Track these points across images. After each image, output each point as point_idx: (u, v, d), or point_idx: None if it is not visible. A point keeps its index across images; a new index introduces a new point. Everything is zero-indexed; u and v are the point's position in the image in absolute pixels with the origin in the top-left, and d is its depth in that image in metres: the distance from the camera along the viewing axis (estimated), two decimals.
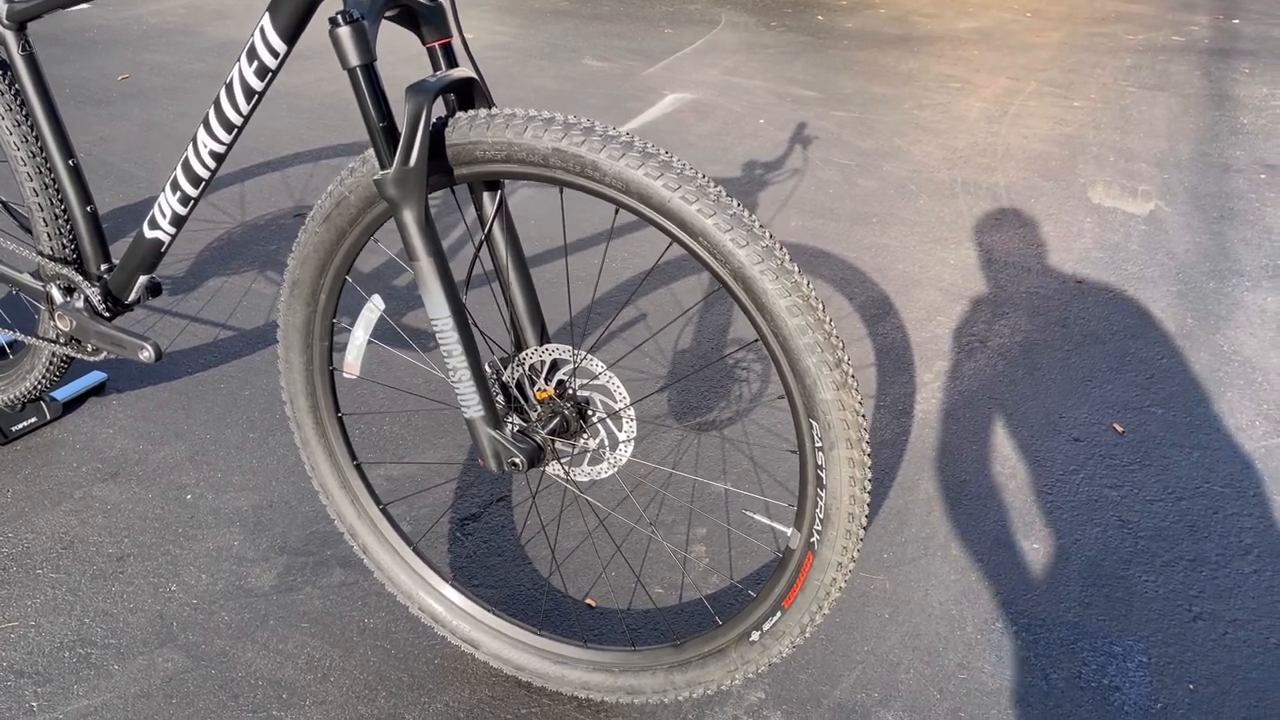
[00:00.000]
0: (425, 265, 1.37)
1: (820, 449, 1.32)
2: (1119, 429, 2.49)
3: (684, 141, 4.17)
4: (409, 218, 1.35)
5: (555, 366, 1.57)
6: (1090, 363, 2.76)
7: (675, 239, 1.30)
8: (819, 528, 1.37)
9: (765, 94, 4.85)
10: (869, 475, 1.35)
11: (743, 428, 2.38)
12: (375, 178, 1.34)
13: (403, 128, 1.31)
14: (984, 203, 3.73)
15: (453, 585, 1.75)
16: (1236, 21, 6.59)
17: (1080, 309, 3.04)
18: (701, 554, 2.03)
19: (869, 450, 1.33)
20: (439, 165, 1.38)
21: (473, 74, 1.41)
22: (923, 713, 1.71)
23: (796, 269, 1.29)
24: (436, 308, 1.39)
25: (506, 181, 1.47)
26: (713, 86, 4.89)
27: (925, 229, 3.50)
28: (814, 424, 1.31)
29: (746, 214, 1.30)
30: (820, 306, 1.29)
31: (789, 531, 1.44)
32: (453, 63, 1.45)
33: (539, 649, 1.70)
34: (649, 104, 4.59)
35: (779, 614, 1.46)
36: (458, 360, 1.42)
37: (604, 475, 1.58)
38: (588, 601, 1.92)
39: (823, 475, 1.34)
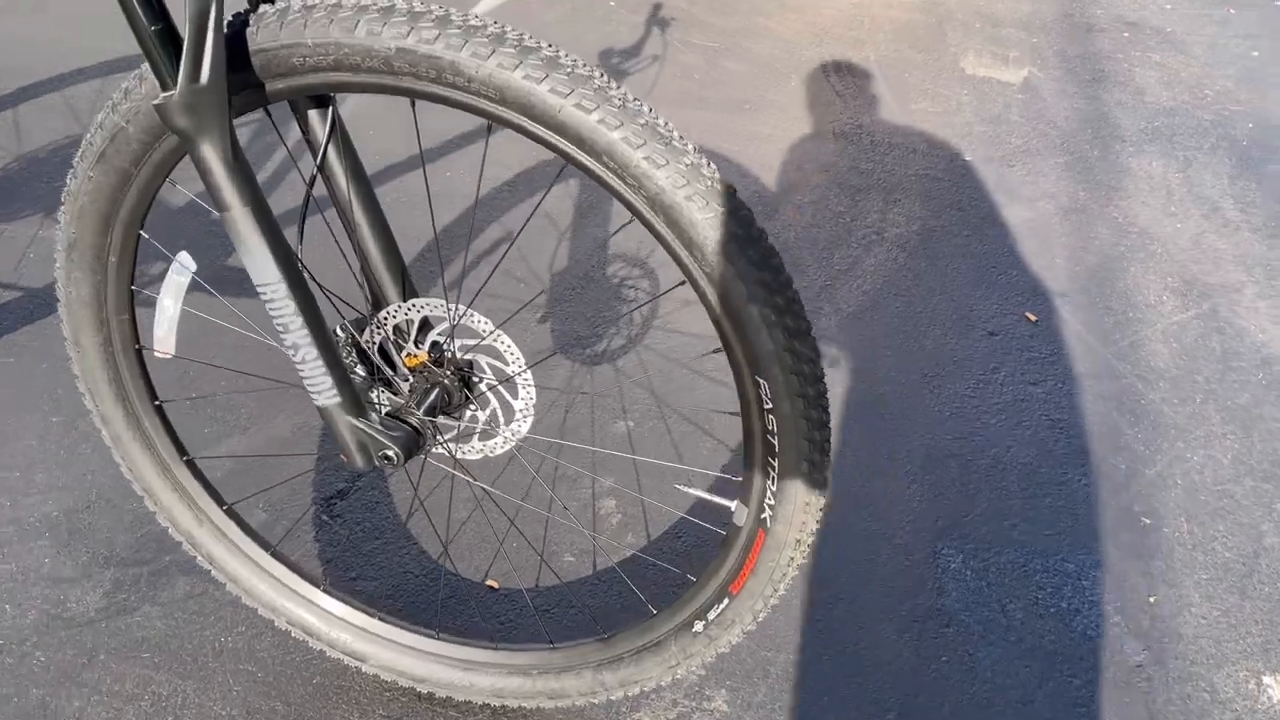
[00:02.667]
0: (239, 216, 1.03)
1: (770, 411, 1.07)
2: (1031, 318, 2.34)
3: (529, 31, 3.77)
4: (209, 154, 1.00)
5: (427, 326, 1.26)
6: (992, 247, 2.59)
7: (571, 160, 1.00)
8: (771, 502, 1.13)
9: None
10: (829, 435, 1.11)
11: (666, 385, 2.12)
12: (156, 102, 0.98)
13: (185, 31, 0.95)
14: (858, 80, 3.50)
15: (326, 590, 1.45)
16: None
17: (973, 189, 2.86)
18: (614, 517, 1.78)
19: (828, 406, 1.09)
20: (244, 79, 1.03)
21: None
22: (877, 669, 1.54)
23: (735, 192, 1.01)
24: (261, 270, 1.06)
25: (339, 95, 1.14)
26: None
27: (802, 113, 3.25)
28: (761, 382, 1.05)
29: (663, 123, 1.00)
30: (763, 236, 1.02)
31: (732, 506, 1.19)
32: None
33: (440, 655, 1.43)
34: None
35: (726, 600, 1.22)
36: (298, 335, 1.09)
37: (499, 452, 1.30)
38: (489, 583, 1.65)
39: (774, 440, 1.09)
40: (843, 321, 2.28)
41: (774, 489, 1.12)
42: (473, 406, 1.28)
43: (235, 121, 1.03)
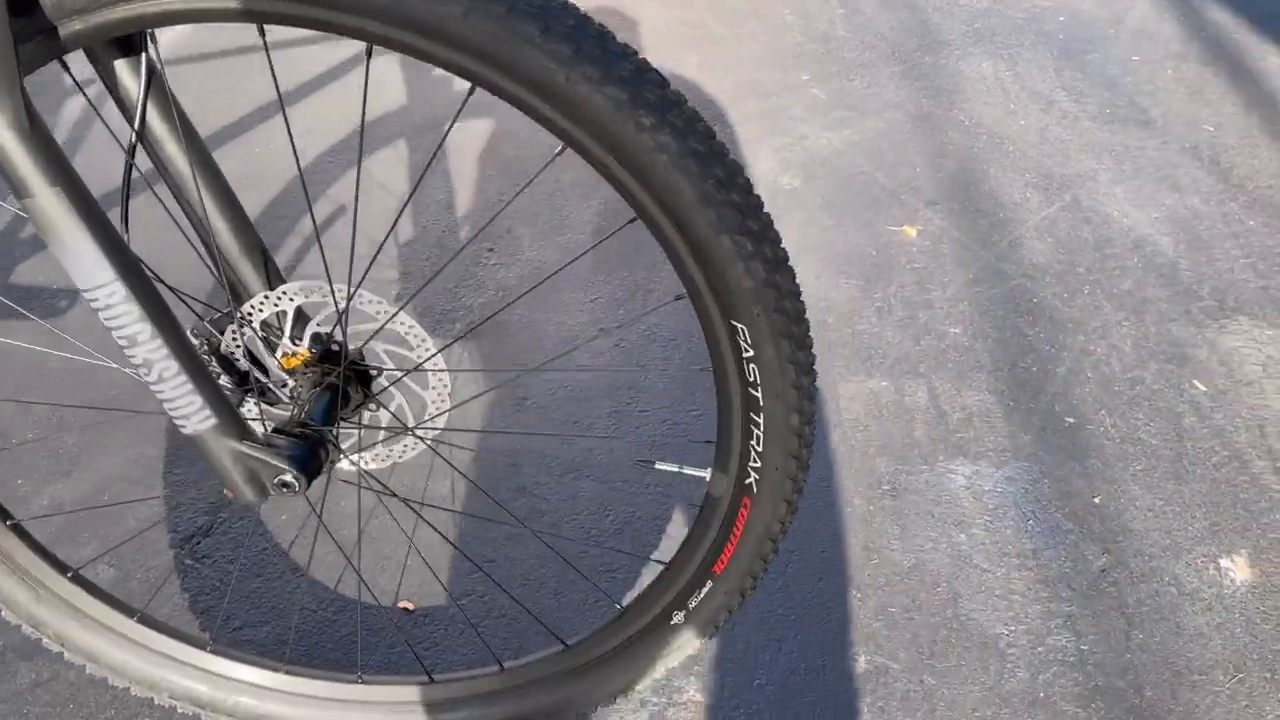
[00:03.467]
0: (47, 202, 0.77)
1: (750, 359, 0.90)
2: (910, 232, 2.26)
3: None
4: None
5: (303, 318, 1.03)
6: (852, 164, 2.50)
7: (480, 82, 0.79)
8: (756, 463, 0.97)
9: None
10: (816, 378, 0.95)
11: (611, 355, 1.92)
12: None
13: None
14: (674, 9, 3.35)
15: (214, 650, 1.20)
16: None
17: (821, 111, 2.77)
18: (556, 508, 1.58)
19: (813, 345, 0.93)
20: (31, 24, 0.77)
21: None
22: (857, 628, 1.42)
23: (684, 99, 0.83)
24: (87, 270, 0.80)
25: (154, 37, 0.89)
26: None
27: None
28: (739, 327, 0.88)
29: (593, 24, 0.81)
30: (725, 151, 0.84)
31: (706, 475, 1.02)
32: None
33: (370, 702, 1.21)
34: None
35: (709, 584, 1.06)
36: (149, 349, 0.84)
37: (411, 454, 1.08)
38: (402, 605, 1.43)
39: (756, 393, 0.92)
40: None
41: (759, 448, 0.95)
42: (373, 407, 1.06)
43: (25, 81, 0.77)
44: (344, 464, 1.07)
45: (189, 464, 1.61)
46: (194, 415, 0.88)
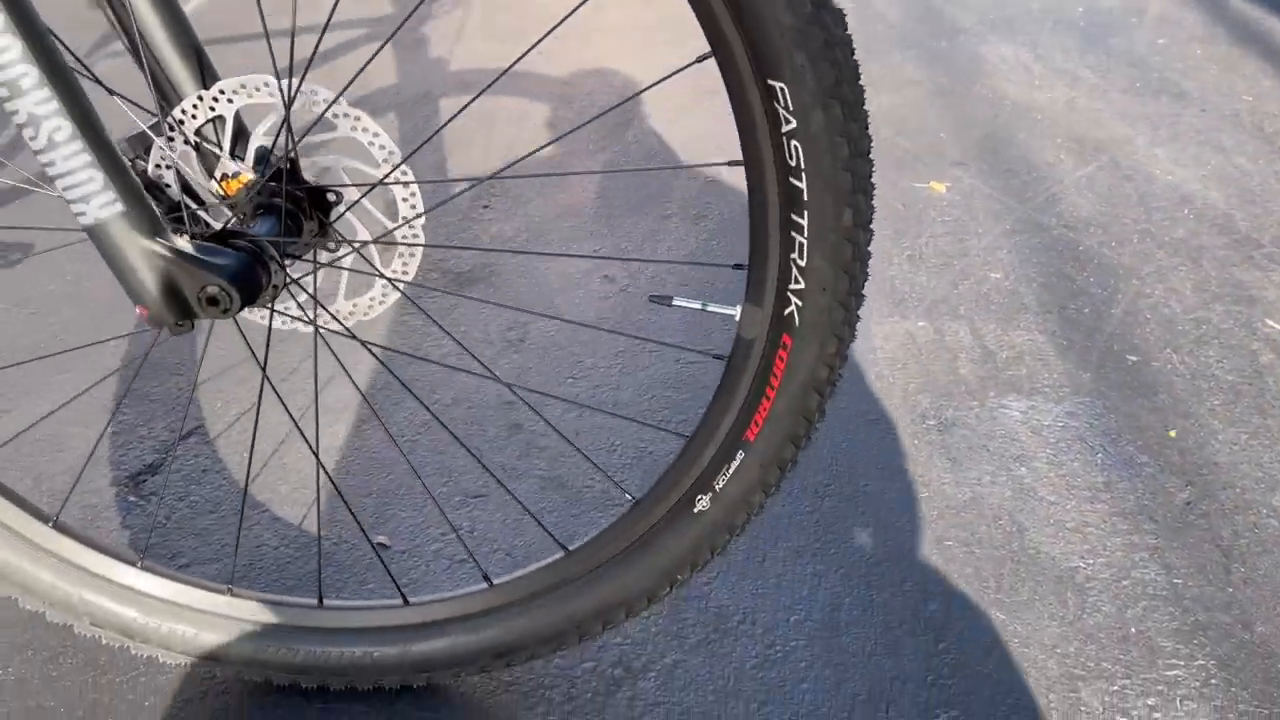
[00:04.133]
0: None
1: (791, 133, 0.72)
2: (937, 187, 2.09)
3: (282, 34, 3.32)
4: None
5: (244, 134, 0.85)
6: (873, 134, 2.35)
7: None
8: (798, 284, 0.78)
9: None
10: (873, 168, 0.77)
11: (601, 160, 1.74)
12: None
13: None
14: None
15: (145, 568, 1.00)
16: None
17: None
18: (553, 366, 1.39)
19: (868, 117, 0.75)
20: None
21: None
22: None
23: None
24: None
25: None
26: None
27: (632, 38, 2.95)
28: (777, 87, 0.71)
29: None
30: None
31: (735, 311, 0.84)
32: None
33: (330, 629, 1.00)
34: None
35: (740, 455, 0.87)
36: (35, 100, 0.66)
37: (375, 311, 0.90)
38: (378, 540, 1.23)
39: (799, 183, 0.74)
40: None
41: (801, 263, 0.77)
42: (330, 243, 0.88)
43: None
44: (290, 310, 0.88)
45: (138, 403, 1.42)
46: (95, 197, 0.70)
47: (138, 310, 0.75)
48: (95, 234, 0.71)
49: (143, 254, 0.73)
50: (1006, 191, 2.08)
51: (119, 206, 0.71)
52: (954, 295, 1.73)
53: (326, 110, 0.80)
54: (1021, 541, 1.24)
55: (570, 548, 0.96)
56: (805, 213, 0.75)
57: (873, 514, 1.28)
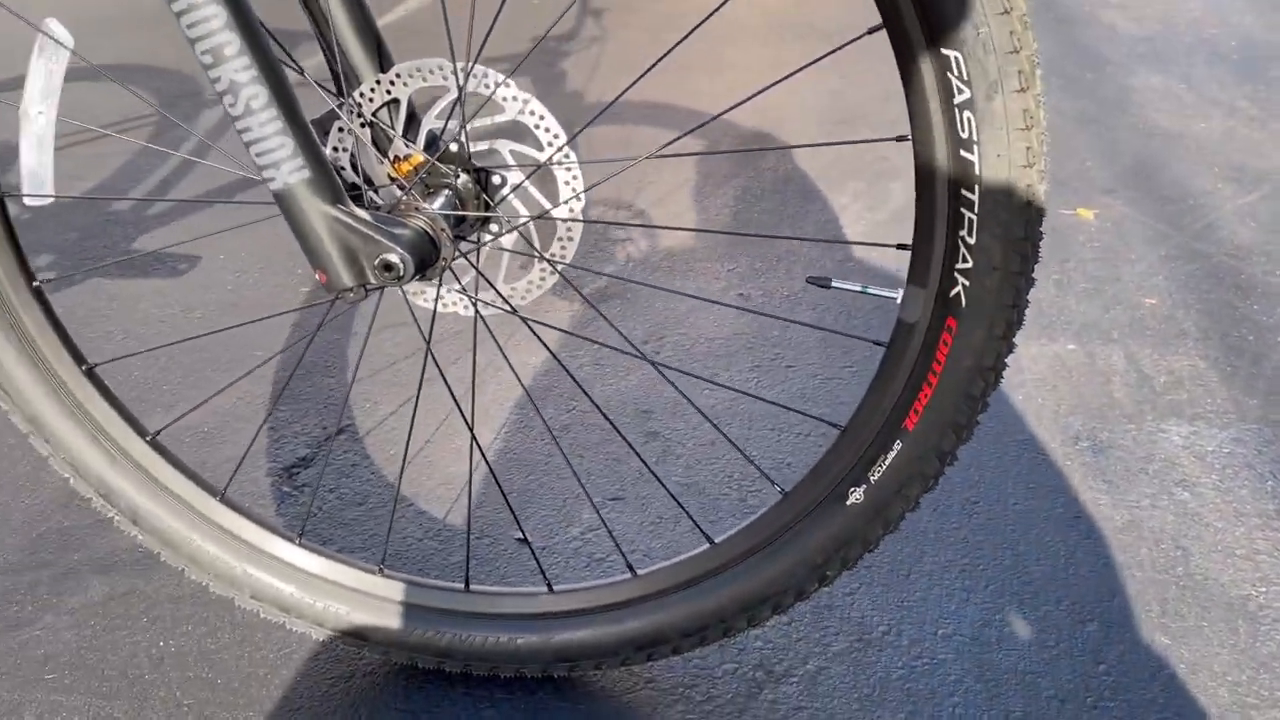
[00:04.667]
0: None
1: (964, 104, 0.71)
2: (1085, 214, 2.03)
3: (456, 25, 3.45)
4: None
5: (414, 117, 0.89)
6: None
7: None
8: (966, 263, 0.76)
9: None
10: (1046, 145, 0.75)
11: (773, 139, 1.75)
12: None
13: None
14: (814, 43, 3.25)
15: (304, 545, 1.03)
16: None
17: None
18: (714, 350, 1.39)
19: (1041, 94, 0.73)
20: None
21: None
22: None
23: None
24: None
25: None
26: None
27: (763, 71, 2.97)
28: (951, 56, 0.70)
29: None
30: None
31: (897, 295, 0.82)
32: None
33: (476, 614, 1.01)
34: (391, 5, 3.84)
35: (898, 445, 0.84)
36: (236, 67, 0.70)
37: (534, 293, 0.91)
38: (517, 536, 1.24)
39: (970, 156, 0.72)
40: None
41: (970, 240, 0.75)
42: (493, 226, 0.90)
43: None
44: (456, 296, 0.91)
45: (294, 402, 1.48)
46: (285, 163, 0.74)
47: (316, 275, 0.78)
48: (283, 198, 0.75)
49: (325, 220, 0.76)
50: (1160, 218, 2.00)
51: (306, 173, 0.74)
52: (1105, 320, 1.67)
53: (495, 90, 0.83)
54: (1186, 566, 1.17)
55: (716, 539, 0.95)
56: (977, 187, 0.73)
57: (1024, 532, 1.23)
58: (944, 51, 0.70)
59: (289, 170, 0.74)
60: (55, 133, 0.87)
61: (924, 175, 0.76)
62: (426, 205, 0.82)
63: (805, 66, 0.88)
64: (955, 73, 0.70)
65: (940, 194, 0.75)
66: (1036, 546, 1.20)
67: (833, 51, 0.85)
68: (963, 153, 0.73)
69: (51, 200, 0.88)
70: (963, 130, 0.72)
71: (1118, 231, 1.95)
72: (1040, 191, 0.74)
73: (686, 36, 0.87)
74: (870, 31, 0.75)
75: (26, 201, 0.87)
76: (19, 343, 0.94)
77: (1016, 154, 0.72)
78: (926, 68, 0.71)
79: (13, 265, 0.92)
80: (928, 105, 0.73)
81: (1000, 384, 0.81)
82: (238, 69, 0.70)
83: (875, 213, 2.03)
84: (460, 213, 0.85)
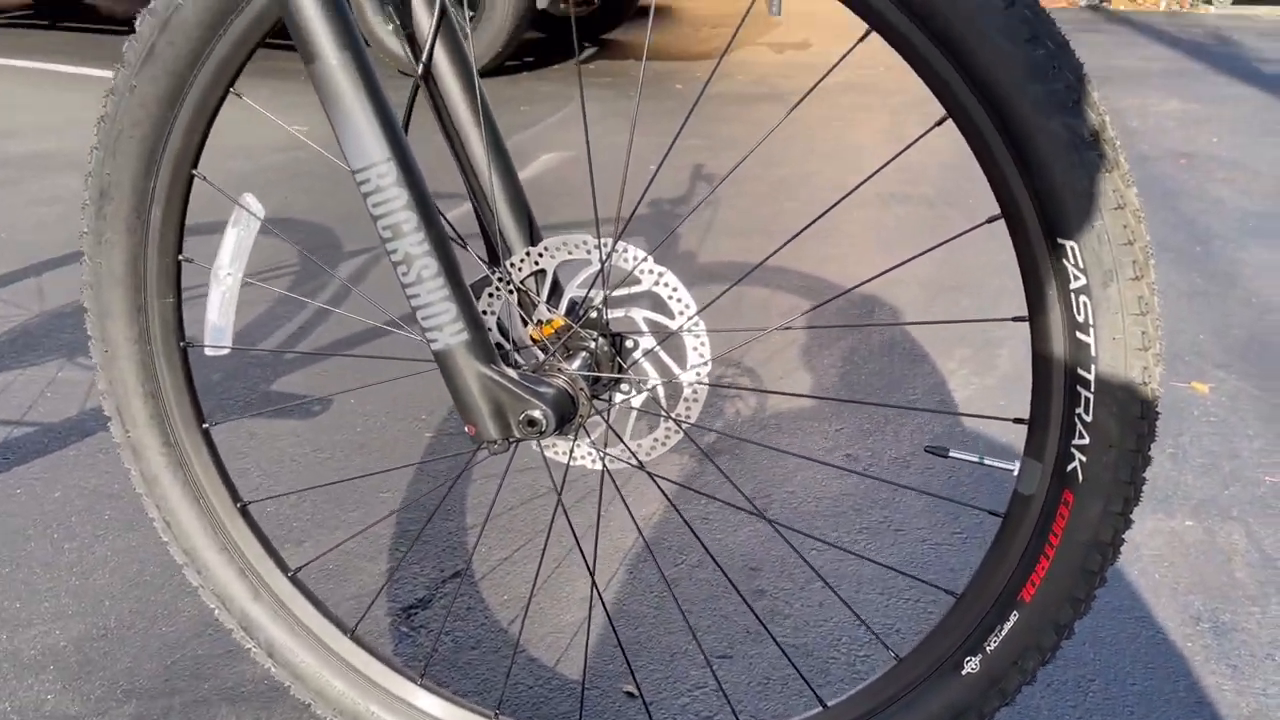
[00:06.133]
0: (336, 66, 0.76)
1: (1080, 290, 0.75)
2: (1199, 388, 2.01)
3: (574, 190, 3.66)
4: None
5: (556, 285, 0.97)
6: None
7: None
8: (1083, 439, 0.79)
9: (646, 146, 4.42)
10: (1160, 329, 0.78)
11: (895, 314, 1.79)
12: None
13: None
14: (920, 209, 3.34)
15: (425, 685, 1.06)
16: None
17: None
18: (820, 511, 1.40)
19: (1155, 284, 0.77)
20: None
21: None
22: None
23: None
24: (362, 145, 0.78)
25: None
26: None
27: (870, 239, 3.06)
28: (1067, 246, 0.74)
29: None
30: (1046, 16, 0.74)
31: (1013, 467, 0.85)
32: None
33: None
34: (524, 165, 4.08)
35: (1014, 615, 0.85)
36: (411, 242, 0.79)
37: (662, 448, 0.96)
38: (626, 690, 1.26)
39: (1087, 338, 0.76)
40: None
41: (1087, 418, 0.78)
42: (626, 387, 0.96)
43: None
44: (586, 449, 0.96)
45: (418, 544, 1.54)
46: (448, 326, 0.82)
47: (467, 428, 0.85)
48: (443, 357, 0.82)
49: (479, 378, 0.83)
50: (1278, 394, 1.97)
51: (465, 336, 0.82)
52: (1224, 497, 1.64)
53: (636, 266, 0.90)
54: None
55: (829, 703, 0.96)
56: (1093, 367, 0.76)
57: (1143, 715, 1.19)
58: (1061, 241, 0.74)
59: (451, 333, 0.82)
60: (239, 285, 0.97)
61: (1041, 354, 0.79)
62: (567, 366, 0.89)
63: (924, 252, 0.93)
64: (1072, 261, 0.75)
65: (1057, 373, 0.79)
66: None
67: (949, 240, 0.91)
68: (1079, 335, 0.76)
69: (228, 351, 0.97)
70: (1079, 314, 0.76)
71: (1233, 406, 1.93)
72: (1156, 373, 0.77)
73: (801, 231, 0.93)
74: (989, 221, 0.80)
75: (208, 353, 0.97)
76: (185, 480, 1.02)
77: (1132, 338, 0.75)
78: (1043, 255, 0.76)
79: (188, 408, 1.01)
80: (1045, 289, 0.77)
81: (1118, 559, 0.82)
82: (414, 243, 0.79)
83: (983, 378, 2.05)
84: (596, 374, 0.92)
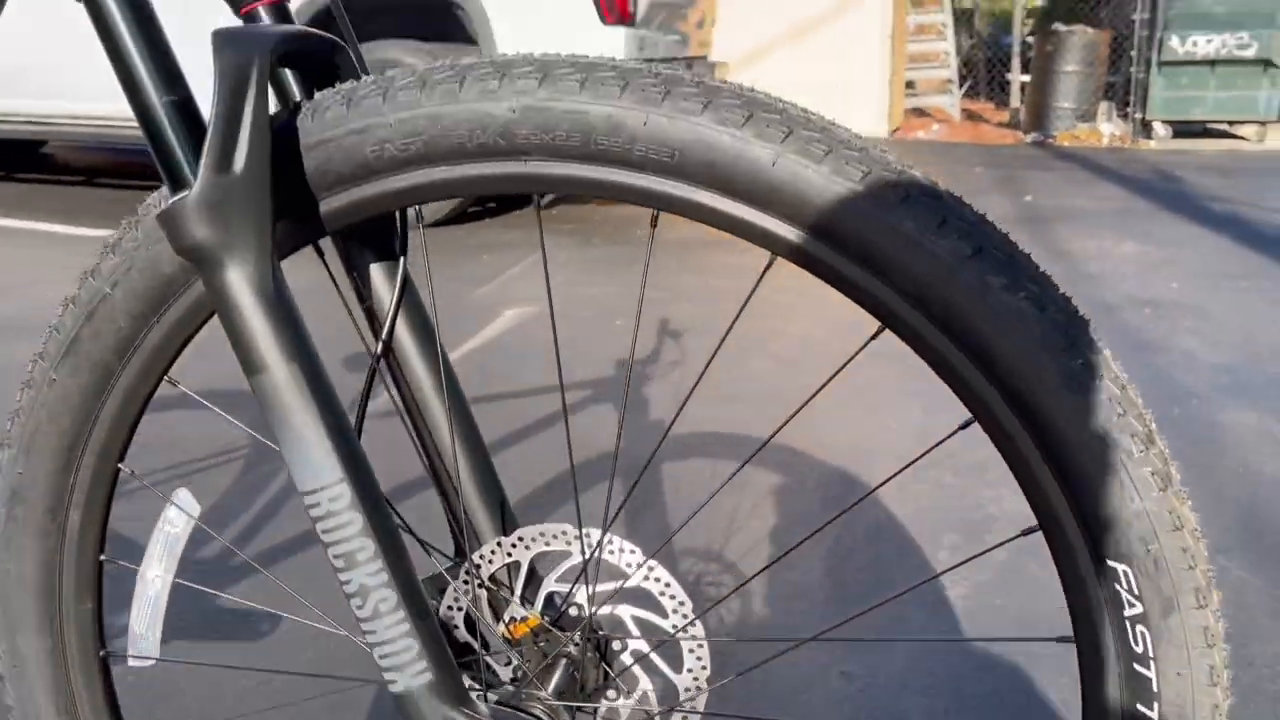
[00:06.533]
0: (282, 379, 0.67)
1: (1139, 619, 0.66)
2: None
3: (536, 353, 3.58)
4: (239, 285, 0.66)
5: (534, 575, 0.86)
6: None
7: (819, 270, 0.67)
8: None
9: (610, 299, 4.39)
10: (1228, 665, 0.69)
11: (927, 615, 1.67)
12: (162, 210, 0.65)
13: (212, 104, 0.64)
14: (894, 366, 3.29)
15: None
16: (1029, 199, 6.75)
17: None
18: None
19: (1219, 609, 0.68)
20: (292, 195, 0.71)
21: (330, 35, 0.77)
22: None
23: (1032, 260, 0.68)
24: (311, 467, 0.67)
25: (413, 216, 0.82)
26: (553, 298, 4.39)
27: (859, 396, 3.00)
28: (1119, 570, 0.65)
29: (919, 175, 0.69)
30: (1090, 323, 0.67)
31: None
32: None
33: None
34: (487, 322, 4.02)
35: None
36: (367, 572, 0.69)
37: None
38: None
39: (1147, 671, 0.66)
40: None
41: None
42: (611, 693, 0.85)
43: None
44: None
45: None
46: (409, 666, 0.70)
47: None
48: (403, 701, 0.71)
49: None
50: None
51: (429, 676, 0.70)
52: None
53: (632, 576, 0.80)
54: None
55: None
56: (1156, 705, 0.67)
57: None
58: (1110, 564, 0.65)
59: (411, 674, 0.70)
60: (168, 590, 0.85)
61: (1092, 683, 0.69)
62: (547, 695, 0.78)
63: (948, 569, 0.84)
64: (1125, 586, 0.66)
65: (1113, 706, 0.69)
66: None
67: (979, 555, 0.81)
68: (1135, 666, 0.67)
69: (153, 662, 0.85)
70: (1136, 643, 0.66)
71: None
72: (1226, 710, 0.67)
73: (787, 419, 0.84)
74: (1025, 534, 0.71)
75: (131, 663, 0.85)
76: None
77: (1200, 673, 0.66)
78: (1090, 576, 0.67)
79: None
80: (1093, 615, 0.68)
81: None
82: (369, 573, 0.68)
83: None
84: (579, 703, 0.80)
